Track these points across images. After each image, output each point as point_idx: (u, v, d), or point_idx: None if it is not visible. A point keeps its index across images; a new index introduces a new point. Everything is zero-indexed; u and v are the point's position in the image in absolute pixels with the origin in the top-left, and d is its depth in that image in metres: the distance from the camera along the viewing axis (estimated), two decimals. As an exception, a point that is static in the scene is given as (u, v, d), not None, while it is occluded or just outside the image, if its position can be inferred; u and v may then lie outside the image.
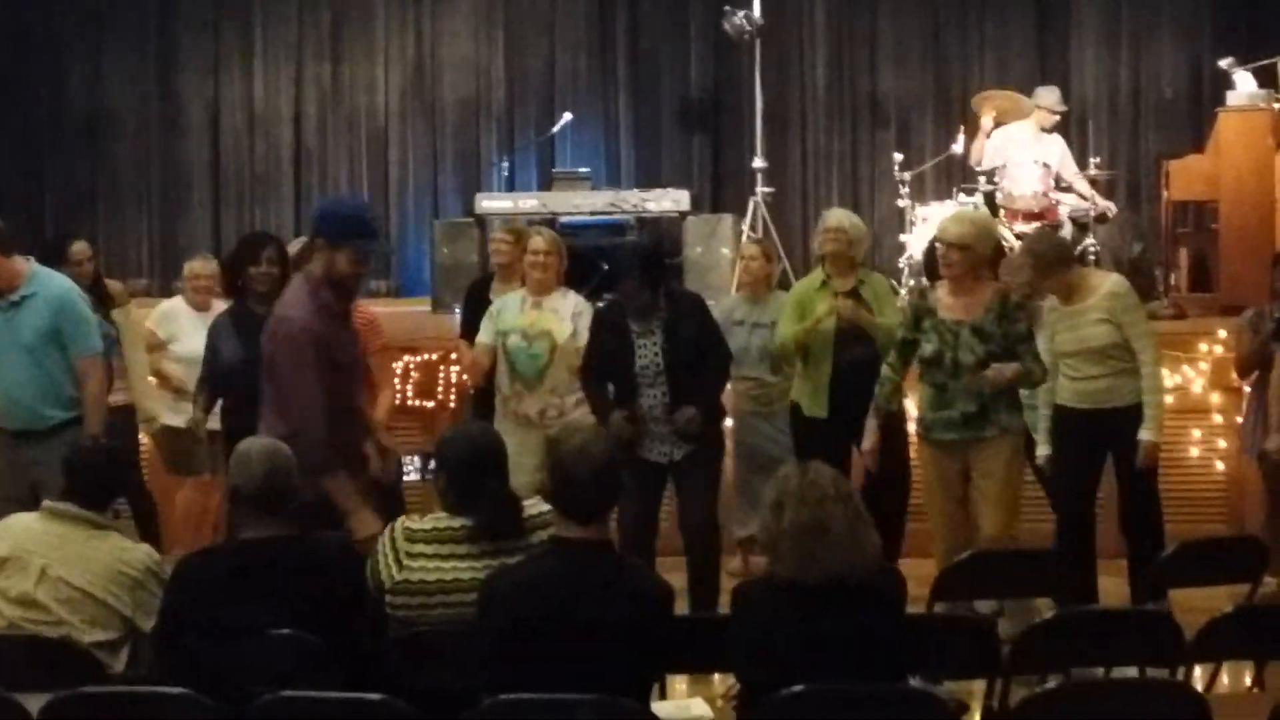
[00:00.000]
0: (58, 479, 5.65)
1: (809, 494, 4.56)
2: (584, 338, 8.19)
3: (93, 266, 8.86)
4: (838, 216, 8.57)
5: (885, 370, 7.68)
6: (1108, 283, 7.82)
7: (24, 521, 5.60)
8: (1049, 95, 12.81)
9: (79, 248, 8.74)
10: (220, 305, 8.63)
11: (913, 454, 8.12)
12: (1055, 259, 7.72)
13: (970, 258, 7.39)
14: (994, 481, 7.35)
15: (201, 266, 9.16)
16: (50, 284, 7.27)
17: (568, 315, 8.41)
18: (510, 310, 8.52)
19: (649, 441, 7.72)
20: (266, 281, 7.54)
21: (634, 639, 4.54)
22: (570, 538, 4.63)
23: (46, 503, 5.59)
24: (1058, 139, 12.82)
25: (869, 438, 7.73)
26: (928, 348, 7.40)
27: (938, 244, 7.60)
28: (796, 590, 4.49)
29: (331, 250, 6.24)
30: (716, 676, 6.33)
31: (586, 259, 10.36)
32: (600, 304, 8.70)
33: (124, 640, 5.35)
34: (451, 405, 9.91)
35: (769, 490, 4.70)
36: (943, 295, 7.48)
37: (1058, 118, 12.70)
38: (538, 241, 8.55)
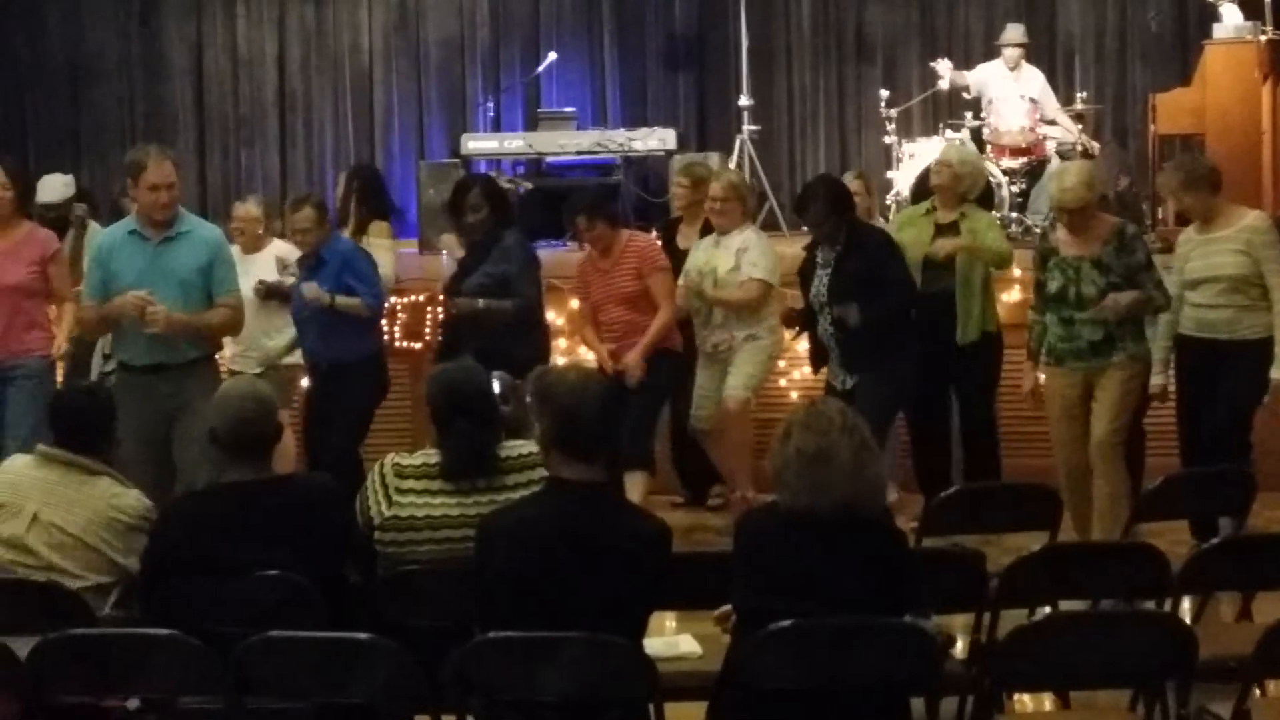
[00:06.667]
0: (194, 415, 5.61)
1: (815, 423, 4.55)
2: (746, 271, 8.49)
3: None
4: (949, 151, 9.10)
5: (1031, 315, 7.97)
6: (1250, 216, 7.99)
7: (18, 465, 5.58)
8: (1009, 31, 12.90)
9: None
10: (277, 244, 9.13)
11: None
12: (1202, 176, 7.94)
13: (1087, 209, 7.58)
14: (1108, 393, 7.57)
15: (252, 209, 9.19)
16: (203, 226, 7.58)
17: (734, 251, 8.56)
18: (699, 249, 8.76)
19: (832, 366, 8.27)
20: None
21: (631, 579, 4.54)
22: (569, 479, 4.61)
23: (40, 446, 5.58)
24: (1037, 73, 12.83)
25: (1027, 379, 8.05)
26: (1053, 285, 7.65)
27: (1055, 210, 7.81)
28: (801, 519, 4.49)
29: None
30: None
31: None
32: None
33: (114, 584, 5.33)
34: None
35: (782, 423, 4.70)
36: (1062, 234, 7.70)
37: (1020, 51, 12.71)
38: (715, 189, 8.70)
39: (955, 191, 8.62)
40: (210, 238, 7.49)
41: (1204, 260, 7.86)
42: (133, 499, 5.46)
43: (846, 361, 8.14)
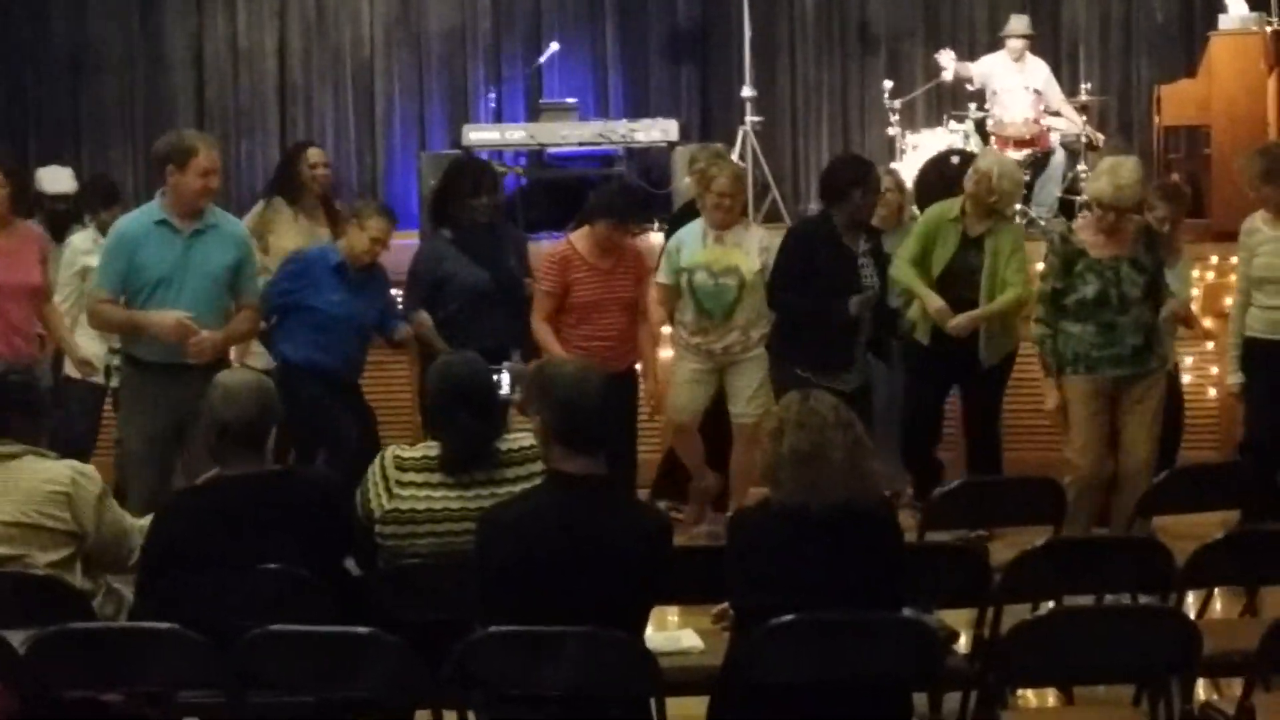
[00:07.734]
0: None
1: (809, 420, 4.53)
2: None
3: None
4: (989, 161, 8.60)
5: (1039, 329, 7.55)
6: None
7: None
8: (1014, 22, 12.85)
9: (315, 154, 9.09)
10: None
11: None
12: None
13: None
14: (1147, 407, 7.43)
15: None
16: (229, 220, 7.38)
17: (754, 250, 8.22)
18: (691, 245, 8.28)
19: (837, 368, 7.79)
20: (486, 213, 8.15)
21: (632, 574, 4.53)
22: (570, 472, 4.57)
23: None
24: (1041, 64, 12.80)
25: (1050, 397, 7.59)
26: (1089, 290, 7.34)
27: (1101, 208, 7.39)
28: (795, 517, 4.47)
29: None
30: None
31: (572, 190, 10.30)
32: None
33: (77, 554, 5.24)
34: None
35: (770, 418, 4.68)
36: (1087, 236, 7.44)
37: (1025, 42, 12.67)
38: (721, 184, 8.19)
39: (987, 204, 8.24)
40: (238, 234, 7.32)
41: (1274, 258, 7.66)
42: (61, 467, 5.29)
43: (870, 360, 7.96)
